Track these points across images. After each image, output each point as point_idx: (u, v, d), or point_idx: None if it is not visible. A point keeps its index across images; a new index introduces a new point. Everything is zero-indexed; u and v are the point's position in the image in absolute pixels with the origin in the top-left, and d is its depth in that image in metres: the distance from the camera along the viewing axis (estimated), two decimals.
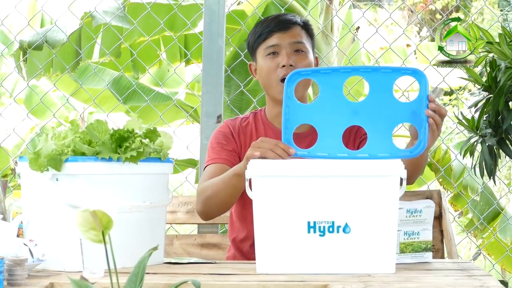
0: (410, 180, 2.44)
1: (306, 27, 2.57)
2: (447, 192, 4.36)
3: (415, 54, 6.26)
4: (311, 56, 2.53)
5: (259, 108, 2.65)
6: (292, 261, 2.00)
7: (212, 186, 2.39)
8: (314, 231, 2.00)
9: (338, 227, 2.00)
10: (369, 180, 1.99)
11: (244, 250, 2.55)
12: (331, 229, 2.00)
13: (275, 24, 2.52)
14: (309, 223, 1.99)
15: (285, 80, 2.17)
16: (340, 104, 2.14)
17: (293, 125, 2.16)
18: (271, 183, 2.00)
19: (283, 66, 2.47)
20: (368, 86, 2.16)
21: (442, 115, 2.14)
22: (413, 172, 2.33)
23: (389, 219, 1.99)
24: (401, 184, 1.99)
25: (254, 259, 2.03)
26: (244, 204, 2.46)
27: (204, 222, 2.93)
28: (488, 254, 4.46)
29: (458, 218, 5.19)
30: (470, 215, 4.49)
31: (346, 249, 1.99)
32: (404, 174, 1.99)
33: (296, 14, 2.62)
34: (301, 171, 2.00)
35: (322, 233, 2.00)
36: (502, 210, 4.24)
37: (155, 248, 1.47)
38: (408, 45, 8.10)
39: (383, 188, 1.99)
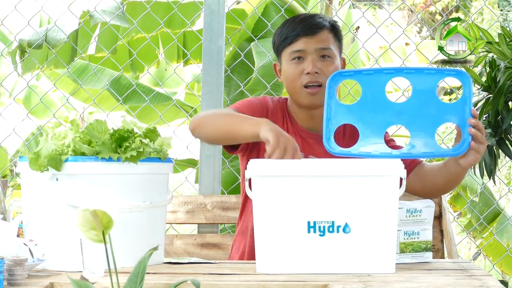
0: (439, 193, 2.51)
1: (334, 29, 2.48)
2: None
3: (415, 54, 6.26)
4: (337, 61, 2.46)
5: (279, 97, 2.57)
6: (292, 261, 2.00)
7: (217, 116, 2.43)
8: (314, 231, 1.99)
9: (338, 227, 2.00)
10: (369, 180, 1.99)
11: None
12: (331, 229, 2.00)
13: (302, 28, 2.44)
14: (309, 223, 1.99)
15: (328, 81, 2.25)
16: (382, 105, 2.23)
17: (335, 125, 2.25)
18: (271, 183, 2.00)
19: (308, 73, 2.41)
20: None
21: (481, 131, 2.17)
22: (446, 185, 2.39)
23: (389, 219, 1.99)
24: (401, 184, 2.00)
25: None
26: None
27: (204, 222, 2.94)
28: (487, 255, 4.46)
29: (457, 218, 5.18)
30: (469, 216, 4.48)
31: (346, 249, 1.99)
32: (404, 174, 1.99)
33: (325, 15, 2.53)
34: (301, 171, 1.99)
35: (322, 233, 2.00)
36: (501, 210, 4.23)
37: (156, 248, 1.47)
38: (407, 44, 8.10)
39: (383, 188, 1.98)
